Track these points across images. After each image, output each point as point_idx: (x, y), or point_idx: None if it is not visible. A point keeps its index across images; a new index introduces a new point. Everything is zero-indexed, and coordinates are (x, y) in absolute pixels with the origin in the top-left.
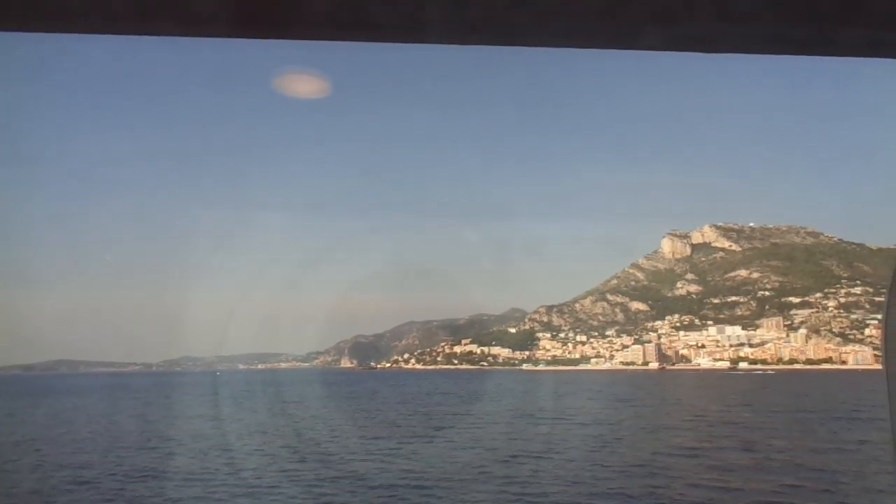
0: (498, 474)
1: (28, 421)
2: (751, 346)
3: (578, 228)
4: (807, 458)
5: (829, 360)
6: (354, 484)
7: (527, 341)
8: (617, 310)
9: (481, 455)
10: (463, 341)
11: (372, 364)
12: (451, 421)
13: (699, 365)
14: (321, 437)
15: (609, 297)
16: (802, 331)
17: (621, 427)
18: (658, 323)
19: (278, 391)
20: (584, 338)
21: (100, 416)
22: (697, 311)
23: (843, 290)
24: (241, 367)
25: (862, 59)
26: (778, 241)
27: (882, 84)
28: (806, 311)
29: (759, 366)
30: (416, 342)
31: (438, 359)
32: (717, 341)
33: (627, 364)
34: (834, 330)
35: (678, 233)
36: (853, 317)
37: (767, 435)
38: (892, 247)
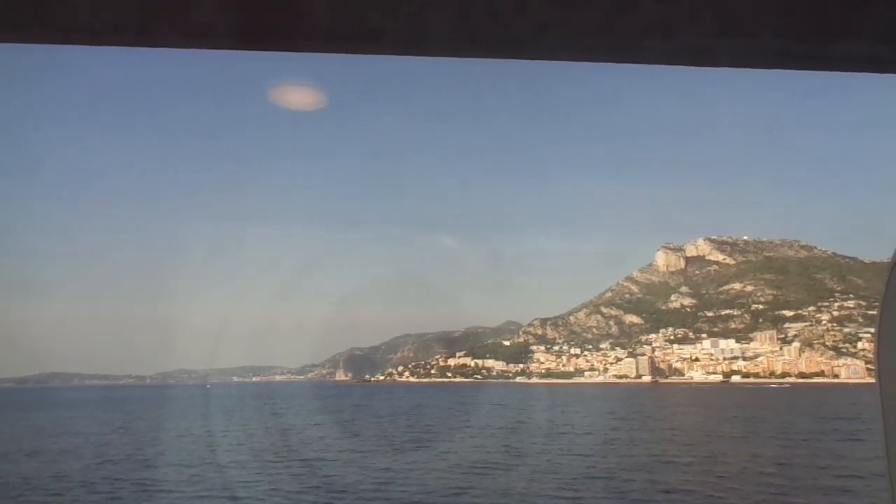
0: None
1: (10, 433)
2: (744, 359)
3: (573, 241)
4: None
5: (821, 374)
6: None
7: (521, 354)
8: (611, 322)
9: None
10: (457, 354)
11: (366, 377)
12: (428, 435)
13: (692, 378)
14: (302, 449)
15: (603, 309)
16: (796, 344)
17: (596, 440)
18: (652, 336)
19: (266, 405)
20: (578, 350)
21: (77, 430)
22: (691, 325)
23: (836, 304)
24: (235, 379)
25: (859, 73)
26: (772, 254)
27: (877, 98)
28: (799, 325)
29: (751, 379)
30: (411, 355)
31: (433, 371)
32: (711, 354)
33: (621, 377)
34: (827, 343)
35: (672, 246)
36: (846, 330)
37: None
38: (885, 260)
